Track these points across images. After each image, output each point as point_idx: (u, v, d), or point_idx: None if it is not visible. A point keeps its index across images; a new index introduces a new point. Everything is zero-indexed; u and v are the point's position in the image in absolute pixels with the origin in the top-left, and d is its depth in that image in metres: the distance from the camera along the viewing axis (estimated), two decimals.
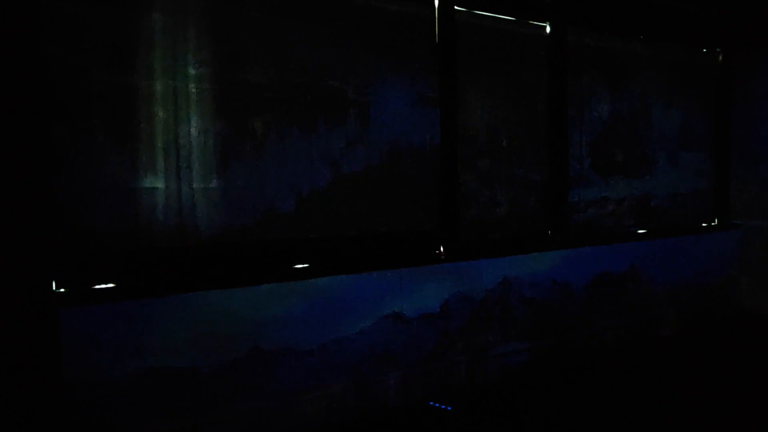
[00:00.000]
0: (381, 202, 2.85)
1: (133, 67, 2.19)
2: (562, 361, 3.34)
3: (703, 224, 4.48)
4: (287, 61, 2.55)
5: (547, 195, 3.51)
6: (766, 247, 4.29)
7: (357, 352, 2.59)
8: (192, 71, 2.32)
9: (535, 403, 2.72)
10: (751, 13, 3.53)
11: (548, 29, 3.46)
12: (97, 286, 2.06)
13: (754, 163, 4.36)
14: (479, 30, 3.18)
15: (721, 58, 4.53)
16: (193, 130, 2.33)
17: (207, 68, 2.36)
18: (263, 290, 2.37)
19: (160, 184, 2.25)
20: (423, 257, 2.91)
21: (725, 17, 3.61)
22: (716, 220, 4.58)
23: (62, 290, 1.99)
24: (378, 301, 2.66)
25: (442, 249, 3.03)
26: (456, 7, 3.07)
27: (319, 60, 2.63)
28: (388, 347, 2.67)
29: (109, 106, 2.14)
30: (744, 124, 4.43)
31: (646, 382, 2.99)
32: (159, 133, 2.25)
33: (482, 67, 3.19)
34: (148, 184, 2.22)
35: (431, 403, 2.64)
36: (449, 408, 2.55)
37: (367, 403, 2.60)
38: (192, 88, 2.32)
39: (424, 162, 2.98)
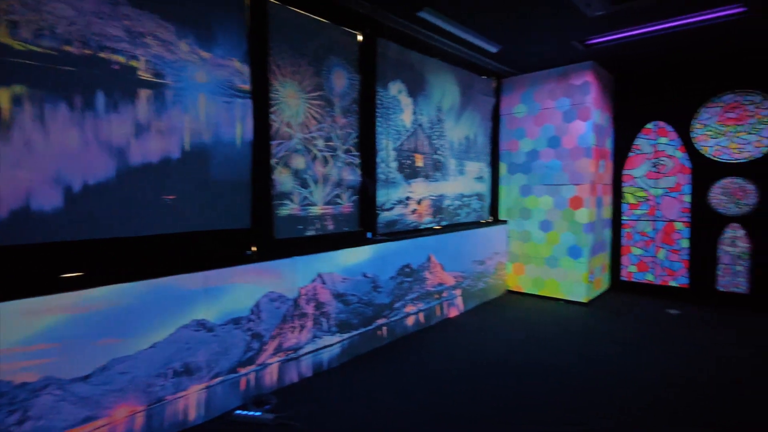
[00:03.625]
0: (184, 199, 2.56)
1: None
2: (371, 348, 3.60)
3: (482, 221, 5.43)
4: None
5: (359, 194, 3.71)
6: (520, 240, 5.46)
7: (149, 369, 2.26)
8: None
9: (343, 394, 2.85)
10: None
11: (360, 38, 3.66)
12: None
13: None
14: (294, 25, 3.14)
15: (495, 84, 5.55)
16: None
17: None
18: (16, 307, 1.86)
19: None
20: (232, 258, 2.74)
21: (497, 56, 4.49)
22: (491, 218, 5.61)
23: None
24: (176, 310, 2.38)
25: (254, 249, 2.90)
26: None
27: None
28: (189, 360, 2.42)
29: None
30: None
31: (435, 353, 3.46)
32: None
33: (298, 63, 3.16)
34: None
35: (238, 411, 2.50)
36: (258, 413, 2.46)
37: (162, 425, 2.31)
38: None
39: (234, 157, 2.80)
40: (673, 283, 5.21)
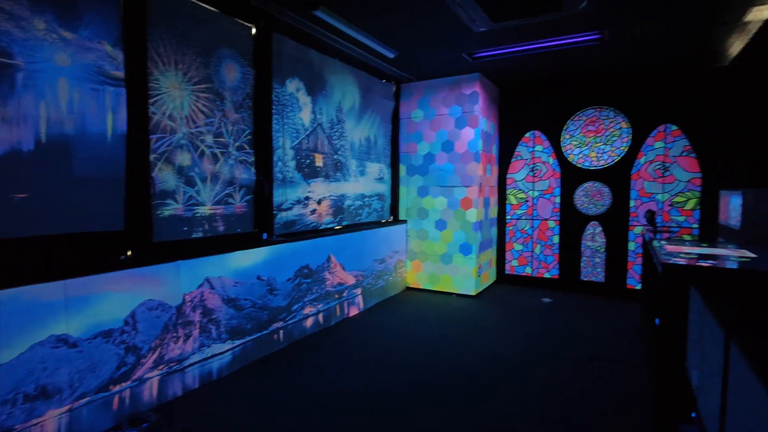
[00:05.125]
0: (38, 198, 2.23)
1: None
2: (266, 354, 3.49)
3: (382, 220, 5.58)
4: None
5: (253, 194, 3.57)
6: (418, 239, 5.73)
7: None
8: None
9: (234, 403, 2.72)
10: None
11: (254, 31, 3.52)
12: None
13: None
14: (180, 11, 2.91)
15: (395, 89, 5.73)
16: None
17: None
18: None
19: None
20: (103, 263, 2.46)
21: (395, 62, 4.66)
22: (391, 217, 5.78)
23: None
24: (27, 325, 2.07)
25: (129, 253, 2.64)
26: None
27: None
28: (46, 381, 2.12)
29: None
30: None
31: (334, 354, 3.47)
32: None
33: (183, 52, 2.94)
34: None
35: None
36: (133, 431, 2.24)
37: None
38: None
39: (105, 151, 2.51)
40: (547, 275, 5.87)
